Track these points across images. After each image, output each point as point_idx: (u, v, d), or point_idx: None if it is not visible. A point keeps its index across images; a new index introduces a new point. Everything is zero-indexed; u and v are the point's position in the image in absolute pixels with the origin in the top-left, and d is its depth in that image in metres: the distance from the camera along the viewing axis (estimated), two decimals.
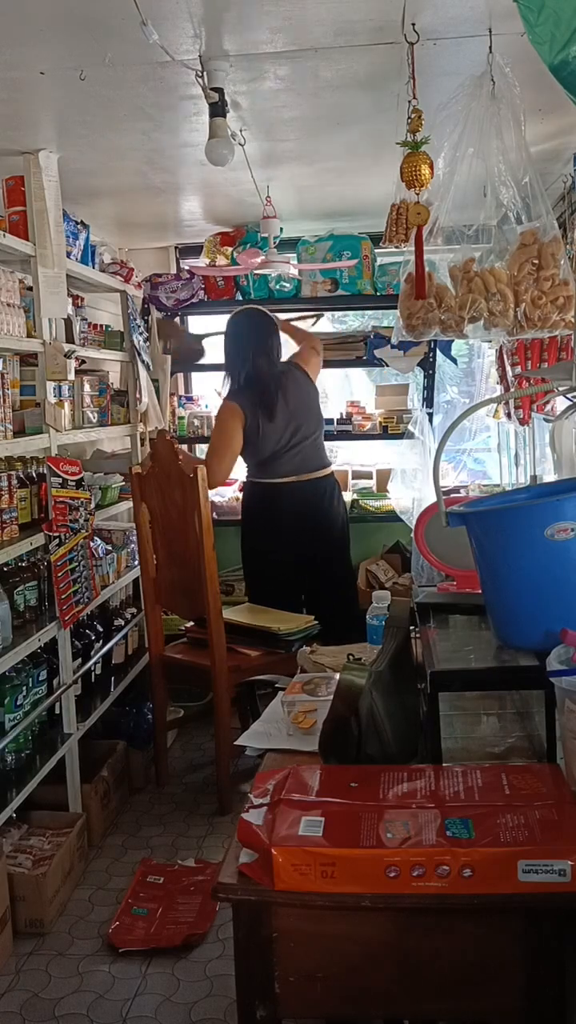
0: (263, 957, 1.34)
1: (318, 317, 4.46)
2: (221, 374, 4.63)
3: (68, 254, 3.25)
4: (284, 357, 3.81)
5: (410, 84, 2.10)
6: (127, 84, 2.40)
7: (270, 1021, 1.36)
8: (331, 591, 3.80)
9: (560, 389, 2.21)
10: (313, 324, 4.42)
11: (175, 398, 4.64)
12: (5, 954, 2.57)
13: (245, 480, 3.84)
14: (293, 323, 4.13)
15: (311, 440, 3.70)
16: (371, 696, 1.58)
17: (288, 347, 3.93)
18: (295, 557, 3.69)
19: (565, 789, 1.40)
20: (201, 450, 4.99)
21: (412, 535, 2.27)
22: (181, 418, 4.59)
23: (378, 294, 4.24)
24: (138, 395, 4.19)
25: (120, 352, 4.12)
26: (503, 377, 3.88)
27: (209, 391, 4.75)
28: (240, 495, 4.64)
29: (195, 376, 4.92)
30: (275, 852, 1.28)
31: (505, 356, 3.77)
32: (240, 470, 3.86)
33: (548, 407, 3.44)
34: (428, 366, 4.35)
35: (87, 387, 3.67)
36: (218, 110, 2.32)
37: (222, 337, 3.77)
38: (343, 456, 5.11)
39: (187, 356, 4.50)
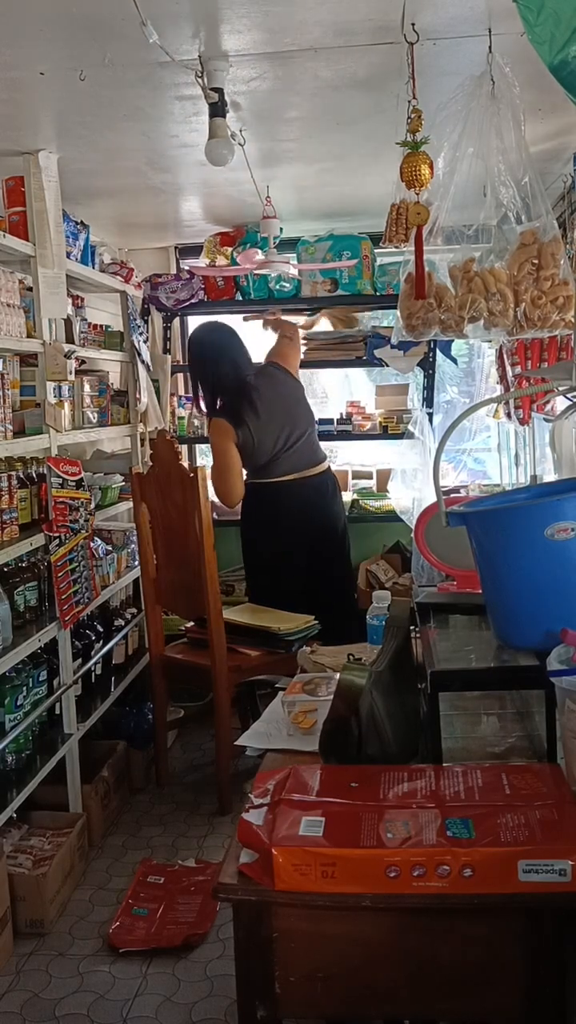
0: (263, 957, 1.34)
1: (315, 315, 4.44)
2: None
3: (68, 254, 3.25)
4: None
5: (410, 84, 2.10)
6: (127, 84, 2.40)
7: (270, 1021, 1.36)
8: (332, 587, 3.80)
9: (560, 389, 2.21)
10: (313, 321, 4.40)
11: (175, 398, 4.64)
12: (5, 954, 2.57)
13: (244, 482, 3.82)
14: (281, 319, 4.12)
15: (305, 438, 3.70)
16: (371, 696, 1.58)
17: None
18: (296, 555, 3.69)
19: (565, 789, 1.40)
20: (202, 450, 5.00)
21: (412, 535, 2.27)
22: (181, 418, 4.58)
23: (378, 294, 4.24)
24: (138, 395, 4.19)
25: (120, 352, 4.12)
26: (503, 377, 3.88)
27: None
28: None
29: None
30: (275, 852, 1.28)
31: (505, 356, 3.77)
32: None
33: (548, 407, 3.44)
34: (428, 366, 4.35)
35: (87, 387, 3.67)
36: (218, 110, 2.32)
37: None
38: (343, 456, 5.11)
39: None
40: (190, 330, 4.80)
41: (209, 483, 3.41)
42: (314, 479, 3.71)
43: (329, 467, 3.84)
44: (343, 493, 4.57)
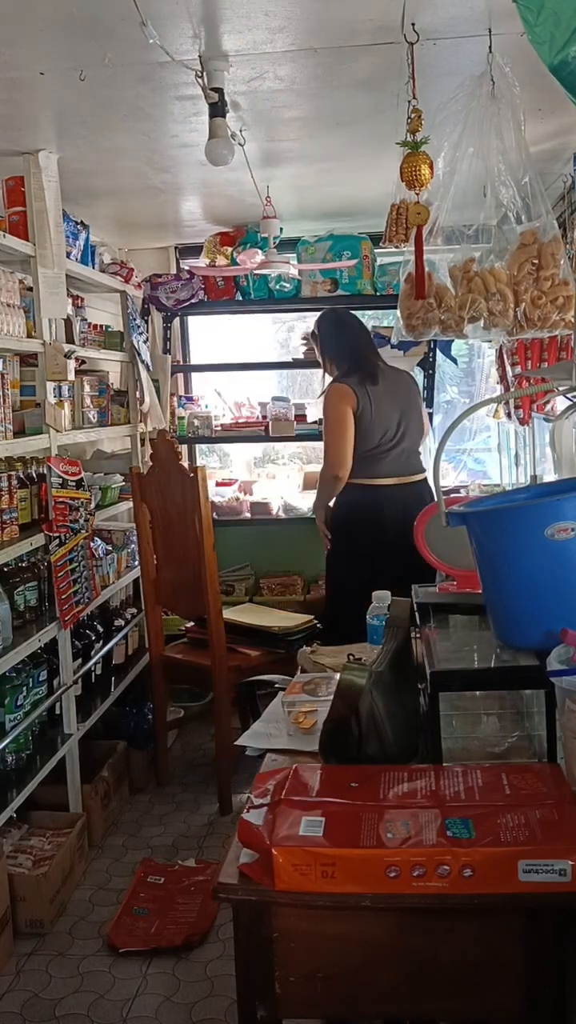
0: (263, 957, 1.34)
1: None
2: (224, 375, 4.55)
3: (68, 254, 3.25)
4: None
5: (410, 84, 2.10)
6: (127, 84, 2.40)
7: (270, 1021, 1.36)
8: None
9: (560, 389, 2.21)
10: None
11: (175, 398, 4.64)
12: (5, 954, 2.57)
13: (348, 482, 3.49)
14: None
15: (414, 444, 3.50)
16: (371, 696, 1.58)
17: None
18: (392, 569, 3.14)
19: (565, 789, 1.40)
20: (202, 451, 5.00)
21: (412, 535, 2.27)
22: (181, 418, 4.58)
23: (378, 294, 4.24)
24: (138, 395, 4.19)
25: (120, 352, 4.12)
26: (503, 377, 3.88)
27: (209, 392, 4.75)
28: (240, 495, 4.65)
29: (195, 376, 4.92)
30: (275, 852, 1.28)
31: (505, 356, 3.77)
32: None
33: (548, 407, 3.44)
34: (428, 366, 4.35)
35: (87, 387, 3.67)
36: (218, 110, 2.32)
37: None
38: None
39: None
40: (190, 330, 4.82)
41: (211, 482, 3.39)
42: (416, 486, 3.47)
43: (426, 478, 3.56)
44: None
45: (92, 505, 3.41)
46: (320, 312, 3.69)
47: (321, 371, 3.74)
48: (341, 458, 3.35)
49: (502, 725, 1.78)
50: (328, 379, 3.58)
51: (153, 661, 3.69)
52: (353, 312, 3.70)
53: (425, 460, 3.83)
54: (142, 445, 4.27)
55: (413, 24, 2.03)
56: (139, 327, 4.24)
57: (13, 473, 2.84)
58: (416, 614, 2.02)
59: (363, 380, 3.39)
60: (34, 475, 3.04)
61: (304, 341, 4.51)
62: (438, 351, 4.33)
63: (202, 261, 4.34)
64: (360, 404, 3.33)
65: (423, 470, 3.54)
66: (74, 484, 3.14)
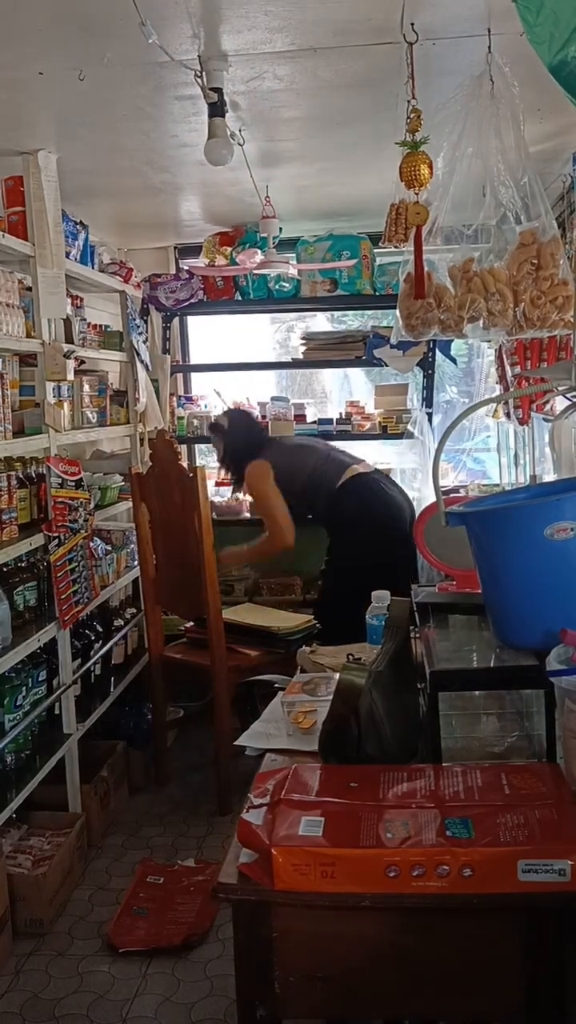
0: (263, 957, 1.34)
1: None
2: (223, 374, 4.63)
3: (67, 254, 3.25)
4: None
5: (409, 84, 2.10)
6: (126, 84, 2.40)
7: (270, 1021, 1.36)
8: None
9: (559, 389, 2.21)
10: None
11: (174, 398, 4.64)
12: (5, 954, 2.57)
13: (322, 495, 3.69)
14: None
15: (333, 454, 3.78)
16: (371, 696, 1.58)
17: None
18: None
19: (565, 789, 1.40)
20: (201, 451, 5.00)
21: (412, 535, 2.27)
22: (180, 418, 4.58)
23: (377, 294, 4.24)
24: (137, 395, 4.19)
25: (119, 352, 4.11)
26: (502, 377, 3.88)
27: (209, 392, 4.75)
28: (239, 495, 4.64)
29: (195, 376, 4.92)
30: (275, 852, 1.28)
31: (504, 356, 3.77)
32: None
33: (547, 407, 3.44)
34: (427, 366, 4.35)
35: (86, 387, 3.67)
36: (217, 110, 2.32)
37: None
38: None
39: None
40: (189, 330, 4.82)
41: (211, 482, 3.42)
42: (375, 473, 3.72)
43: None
44: None
45: (91, 505, 3.41)
46: (214, 421, 4.02)
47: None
48: (287, 531, 3.62)
49: (501, 725, 1.78)
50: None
51: (152, 661, 3.68)
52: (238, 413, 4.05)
53: (424, 459, 3.83)
54: (141, 445, 4.26)
55: (412, 24, 2.02)
56: (138, 327, 4.24)
57: (12, 473, 2.83)
58: (416, 614, 2.02)
59: (267, 451, 3.72)
60: (33, 475, 3.04)
61: (304, 341, 4.51)
62: (437, 351, 4.33)
63: (201, 261, 4.34)
64: (275, 465, 3.64)
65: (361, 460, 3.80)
66: (73, 484, 3.13)
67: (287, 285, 4.27)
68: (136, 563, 3.91)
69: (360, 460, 3.79)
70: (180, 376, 4.79)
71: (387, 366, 4.37)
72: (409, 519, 3.54)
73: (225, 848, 1.41)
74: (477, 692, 1.81)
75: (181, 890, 2.87)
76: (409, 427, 4.21)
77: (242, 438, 3.83)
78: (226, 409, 4.20)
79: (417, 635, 1.96)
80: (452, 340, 3.88)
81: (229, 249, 4.19)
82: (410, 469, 4.09)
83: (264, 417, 4.47)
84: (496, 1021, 1.51)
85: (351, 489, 3.61)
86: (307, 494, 3.67)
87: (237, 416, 4.01)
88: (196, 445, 4.84)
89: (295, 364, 4.70)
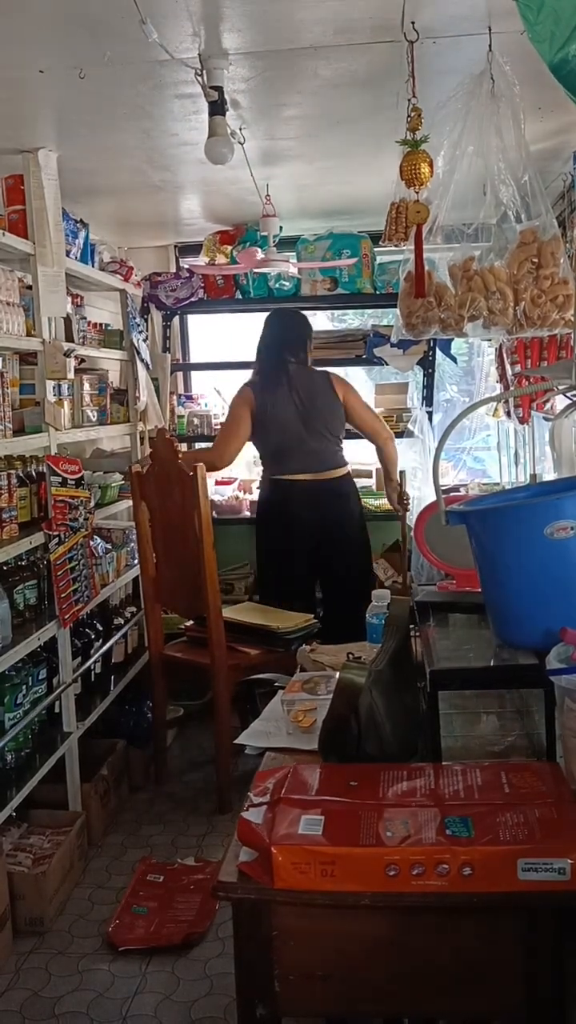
0: (263, 956, 1.34)
1: None
2: (223, 373, 4.63)
3: (67, 253, 3.25)
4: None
5: (410, 82, 2.09)
6: (126, 83, 2.40)
7: (270, 1020, 1.36)
8: (342, 592, 3.75)
9: (560, 388, 2.21)
10: None
11: (175, 397, 4.64)
12: (5, 953, 2.57)
13: (261, 476, 3.88)
14: None
15: (326, 442, 3.67)
16: (371, 695, 1.58)
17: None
18: (307, 556, 3.71)
19: (564, 788, 1.40)
20: (202, 448, 4.99)
21: (412, 534, 2.27)
22: (180, 417, 4.58)
23: (378, 293, 4.24)
24: (137, 394, 4.19)
25: (119, 351, 4.11)
26: (503, 376, 3.88)
27: (209, 390, 4.75)
28: (239, 494, 4.65)
29: (195, 375, 4.92)
30: (275, 851, 1.28)
31: (505, 355, 3.77)
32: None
33: (548, 406, 3.44)
34: (428, 365, 4.35)
35: (87, 386, 3.67)
36: (217, 108, 2.32)
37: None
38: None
39: None
40: (190, 329, 4.82)
41: (211, 481, 3.43)
42: (330, 482, 3.69)
43: (348, 473, 3.79)
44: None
45: (91, 504, 3.41)
46: (275, 311, 3.92)
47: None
48: (224, 455, 3.67)
49: (501, 724, 1.78)
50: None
51: (152, 660, 3.68)
52: (297, 311, 3.93)
53: (424, 457, 3.82)
54: (141, 444, 4.26)
55: (413, 23, 2.02)
56: (139, 325, 4.24)
57: (12, 472, 2.83)
58: (416, 613, 2.02)
59: (265, 387, 3.66)
60: (33, 473, 3.04)
61: None
62: (438, 350, 4.32)
63: (202, 259, 4.34)
64: (258, 405, 3.63)
65: (339, 466, 3.74)
66: (74, 483, 3.13)
67: (287, 284, 4.27)
68: (136, 562, 3.91)
69: (330, 467, 3.69)
70: (180, 375, 4.79)
71: (387, 365, 4.37)
72: (309, 543, 3.67)
73: (225, 847, 1.41)
74: (477, 691, 1.81)
75: (181, 889, 2.87)
76: (409, 426, 4.21)
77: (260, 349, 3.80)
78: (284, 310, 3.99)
79: (417, 634, 1.97)
80: (452, 339, 3.88)
81: (229, 248, 4.19)
82: (410, 468, 4.08)
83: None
84: (496, 1020, 1.51)
85: (266, 486, 3.78)
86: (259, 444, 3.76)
87: (269, 319, 3.85)
88: (196, 444, 4.83)
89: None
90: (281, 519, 3.70)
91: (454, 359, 4.43)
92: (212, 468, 3.59)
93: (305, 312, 4.60)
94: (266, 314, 3.87)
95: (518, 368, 3.60)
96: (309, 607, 3.69)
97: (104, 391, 3.87)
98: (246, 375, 4.07)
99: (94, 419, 3.73)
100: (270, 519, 3.77)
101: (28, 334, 2.95)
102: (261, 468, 3.88)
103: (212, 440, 4.66)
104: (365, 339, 4.36)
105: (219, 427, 4.04)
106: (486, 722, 1.80)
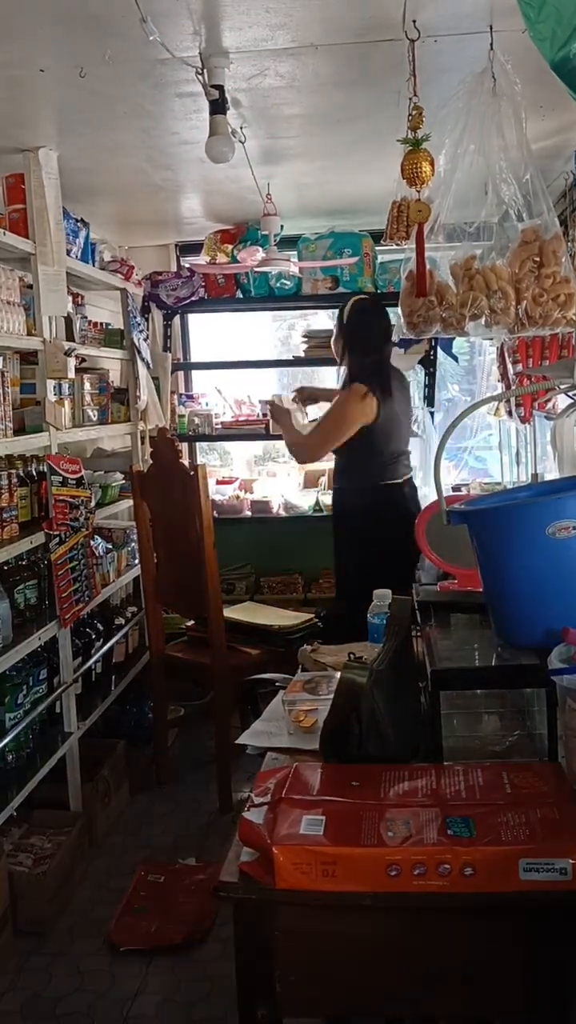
0: (264, 956, 1.34)
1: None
2: (224, 372, 4.54)
3: (68, 252, 3.25)
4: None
5: (411, 81, 2.09)
6: (127, 81, 2.40)
7: (271, 1020, 1.36)
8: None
9: (561, 387, 2.20)
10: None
11: (175, 396, 4.64)
12: (6, 953, 2.57)
13: (357, 484, 3.35)
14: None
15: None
16: (372, 695, 1.58)
17: None
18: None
19: (566, 788, 1.40)
20: (202, 448, 4.99)
21: (414, 533, 2.27)
22: (181, 416, 4.58)
23: (379, 292, 4.24)
24: (138, 393, 4.19)
25: (120, 350, 4.11)
26: (504, 375, 3.87)
27: (210, 389, 4.74)
28: (240, 493, 4.64)
29: (196, 374, 4.92)
30: (276, 851, 1.28)
31: (506, 354, 3.77)
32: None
33: (549, 405, 3.44)
34: (429, 364, 4.34)
35: (87, 385, 3.66)
36: (218, 107, 2.32)
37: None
38: None
39: None
40: (190, 328, 4.81)
41: (212, 480, 3.38)
42: (411, 482, 3.45)
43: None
44: None
45: (92, 503, 3.40)
46: (356, 298, 3.49)
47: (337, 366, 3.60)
48: (320, 454, 3.36)
49: (503, 724, 1.78)
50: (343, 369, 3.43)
51: (153, 660, 3.68)
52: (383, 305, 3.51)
53: (425, 457, 3.82)
54: (142, 443, 4.26)
55: (414, 21, 2.02)
56: (139, 325, 4.23)
57: (13, 471, 2.83)
58: (417, 613, 2.02)
59: (384, 388, 3.23)
60: (34, 473, 3.04)
61: (305, 339, 4.50)
62: (439, 349, 4.32)
63: (202, 259, 4.34)
64: (380, 416, 3.19)
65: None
66: (74, 482, 3.13)
67: (288, 283, 4.27)
68: (137, 561, 3.91)
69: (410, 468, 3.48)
70: (181, 374, 4.78)
71: None
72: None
73: (226, 847, 1.41)
74: (478, 691, 1.80)
75: (182, 889, 2.87)
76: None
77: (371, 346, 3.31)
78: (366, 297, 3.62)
79: (418, 634, 1.96)
80: (454, 338, 3.87)
81: (230, 247, 4.19)
82: (412, 467, 4.08)
83: (265, 415, 4.47)
84: (497, 1020, 1.50)
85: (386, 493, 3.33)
86: (358, 459, 3.30)
87: (378, 312, 3.39)
88: (197, 443, 4.84)
89: (296, 362, 4.69)
90: (403, 526, 2.97)
91: (456, 358, 4.43)
92: (299, 463, 3.43)
93: (306, 310, 4.61)
94: (363, 302, 3.43)
95: (519, 367, 3.59)
96: None
97: (105, 390, 3.87)
98: (248, 374, 4.08)
99: (95, 419, 3.73)
100: (389, 529, 3.17)
101: (29, 333, 2.94)
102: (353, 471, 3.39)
103: (215, 439, 4.68)
104: None
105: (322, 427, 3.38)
106: (487, 722, 1.79)
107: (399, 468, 3.37)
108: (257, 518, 4.53)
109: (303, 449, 3.39)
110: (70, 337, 3.38)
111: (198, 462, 4.49)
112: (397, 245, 2.35)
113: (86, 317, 3.72)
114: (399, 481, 3.36)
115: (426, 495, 3.91)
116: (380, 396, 3.20)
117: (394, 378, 3.38)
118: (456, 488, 4.25)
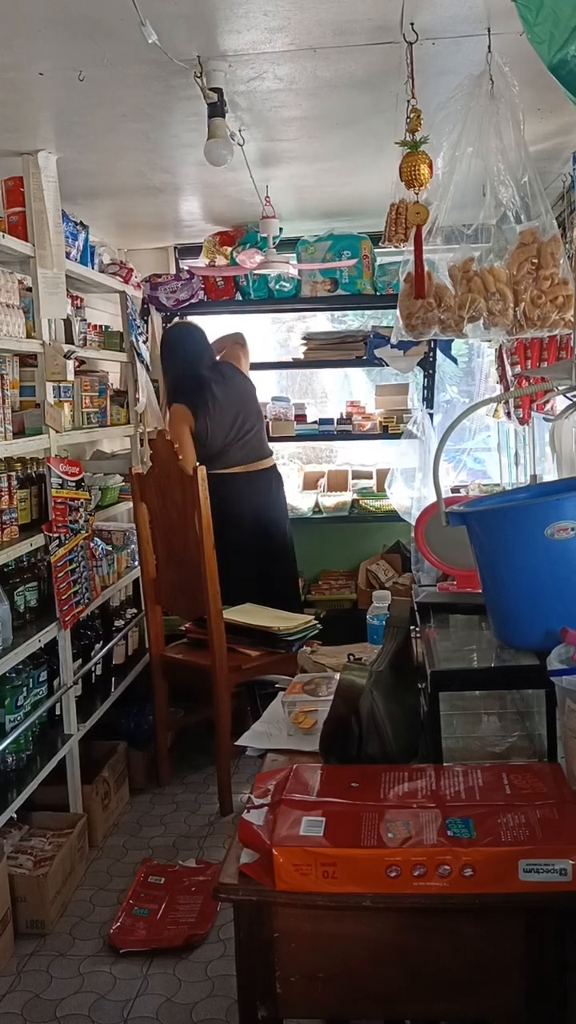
0: (264, 957, 1.34)
1: None
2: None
3: (67, 255, 3.25)
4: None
5: (409, 84, 2.10)
6: (126, 85, 2.40)
7: (271, 1021, 1.36)
8: (279, 579, 4.00)
9: (560, 388, 2.21)
10: None
11: None
12: (6, 955, 2.57)
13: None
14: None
15: (254, 432, 3.94)
16: (372, 696, 1.58)
17: None
18: (244, 545, 3.84)
19: (566, 788, 1.40)
20: None
21: (412, 534, 2.27)
22: None
23: (378, 294, 4.24)
24: (137, 395, 4.19)
25: (119, 353, 4.12)
26: (503, 376, 3.88)
27: None
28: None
29: None
30: (276, 852, 1.28)
31: (505, 355, 3.77)
32: None
33: (548, 406, 3.44)
34: (428, 366, 4.35)
35: (87, 388, 3.67)
36: (217, 110, 2.32)
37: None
38: (343, 456, 5.11)
39: None
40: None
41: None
42: (261, 473, 3.95)
43: (275, 464, 4.09)
44: (344, 493, 4.62)
45: (92, 505, 3.41)
46: (172, 327, 4.11)
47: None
48: (192, 464, 3.65)
49: (502, 725, 1.78)
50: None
51: (153, 661, 3.68)
52: (189, 324, 4.08)
53: (424, 458, 3.82)
54: (142, 445, 4.26)
55: (412, 24, 2.03)
56: (138, 327, 4.24)
57: (13, 473, 2.83)
58: (416, 614, 2.02)
59: (196, 401, 3.79)
60: (34, 475, 3.04)
61: (304, 341, 4.51)
62: (438, 351, 4.33)
63: (201, 261, 4.34)
64: (198, 421, 3.77)
65: (267, 455, 4.03)
66: (74, 484, 3.13)
67: (287, 285, 4.27)
68: (136, 563, 3.91)
69: (261, 457, 3.99)
70: None
71: (387, 366, 4.37)
72: (259, 531, 3.91)
73: (226, 848, 1.41)
74: (478, 692, 1.81)
75: (182, 890, 2.87)
76: (409, 427, 4.21)
77: (179, 369, 3.92)
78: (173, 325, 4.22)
79: (418, 635, 1.96)
80: (452, 340, 3.87)
81: (229, 249, 4.20)
82: (411, 469, 4.09)
83: (264, 417, 4.48)
84: (496, 1021, 1.50)
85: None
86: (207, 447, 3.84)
87: (177, 339, 4.00)
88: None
89: (296, 364, 4.70)
90: (224, 512, 3.75)
91: (454, 360, 4.44)
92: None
93: (305, 313, 4.62)
94: (162, 339, 4.08)
95: (518, 369, 3.60)
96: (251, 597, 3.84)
97: (104, 393, 3.88)
98: (247, 375, 4.07)
99: (94, 421, 3.73)
100: (215, 512, 3.71)
101: (28, 336, 2.95)
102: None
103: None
104: (365, 340, 4.36)
105: None
106: (487, 723, 1.80)
107: (227, 458, 3.87)
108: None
109: (184, 465, 3.72)
110: (69, 340, 3.38)
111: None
112: (396, 247, 2.35)
113: (85, 320, 3.73)
114: (225, 472, 3.85)
115: (424, 496, 3.92)
116: (190, 405, 3.78)
117: (217, 382, 3.86)
118: (455, 489, 4.26)
